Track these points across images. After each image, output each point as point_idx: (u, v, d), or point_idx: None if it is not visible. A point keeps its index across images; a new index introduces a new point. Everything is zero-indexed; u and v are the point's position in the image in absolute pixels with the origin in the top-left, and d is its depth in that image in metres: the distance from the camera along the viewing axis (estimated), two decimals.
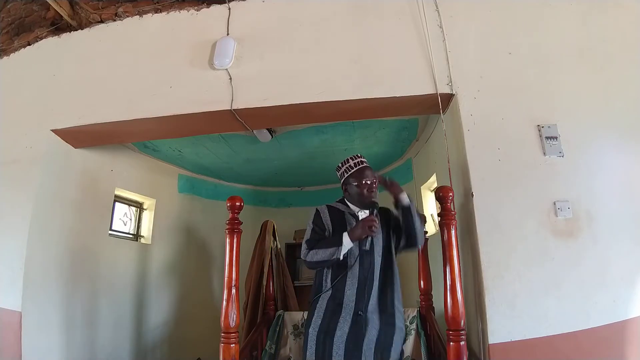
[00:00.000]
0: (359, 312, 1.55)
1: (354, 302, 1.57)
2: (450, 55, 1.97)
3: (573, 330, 1.62)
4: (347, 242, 1.54)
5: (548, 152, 1.81)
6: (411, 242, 1.66)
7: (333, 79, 2.02)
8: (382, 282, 1.61)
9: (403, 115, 2.54)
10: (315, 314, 1.62)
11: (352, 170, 1.71)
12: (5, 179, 2.30)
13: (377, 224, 1.54)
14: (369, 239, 1.57)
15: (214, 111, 2.08)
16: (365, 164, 1.73)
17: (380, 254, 1.64)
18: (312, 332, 1.59)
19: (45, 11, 2.62)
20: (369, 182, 1.67)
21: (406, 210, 1.63)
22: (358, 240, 1.56)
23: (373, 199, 1.66)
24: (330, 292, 1.62)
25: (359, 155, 1.76)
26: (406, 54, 2.01)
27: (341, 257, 1.56)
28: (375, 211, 1.60)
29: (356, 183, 1.68)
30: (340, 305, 1.58)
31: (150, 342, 3.22)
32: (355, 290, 1.58)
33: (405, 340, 1.59)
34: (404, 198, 1.64)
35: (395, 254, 1.70)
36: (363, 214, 1.60)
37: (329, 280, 1.64)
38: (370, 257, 1.61)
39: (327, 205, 1.77)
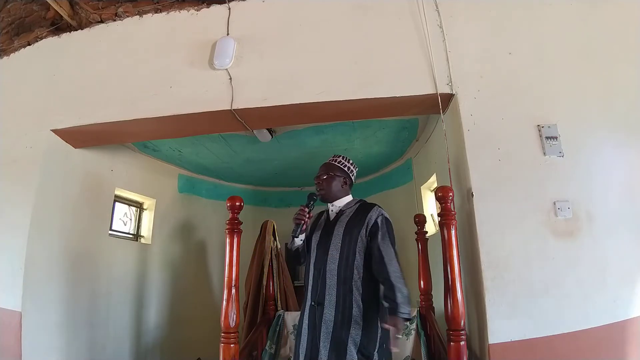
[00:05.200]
0: (312, 303, 1.59)
1: (310, 293, 1.62)
2: (450, 55, 1.97)
3: (573, 330, 1.62)
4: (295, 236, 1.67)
5: (548, 152, 1.80)
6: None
7: (333, 79, 2.02)
8: (341, 275, 1.56)
9: (403, 115, 2.54)
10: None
11: None
12: (5, 179, 2.30)
13: (306, 212, 1.63)
14: (298, 228, 1.64)
15: (214, 111, 2.08)
16: (328, 161, 1.77)
17: (339, 247, 1.59)
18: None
19: (45, 11, 2.62)
20: (316, 177, 1.74)
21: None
22: (295, 231, 1.64)
23: (319, 191, 1.72)
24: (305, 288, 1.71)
25: (336, 154, 1.80)
26: (406, 54, 2.01)
27: (292, 247, 1.72)
28: (309, 202, 1.69)
29: None
30: (305, 298, 1.65)
31: (151, 342, 3.22)
32: (311, 282, 1.63)
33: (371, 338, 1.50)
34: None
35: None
36: (329, 206, 1.74)
37: (304, 279, 1.75)
38: (324, 249, 1.63)
39: None
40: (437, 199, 1.72)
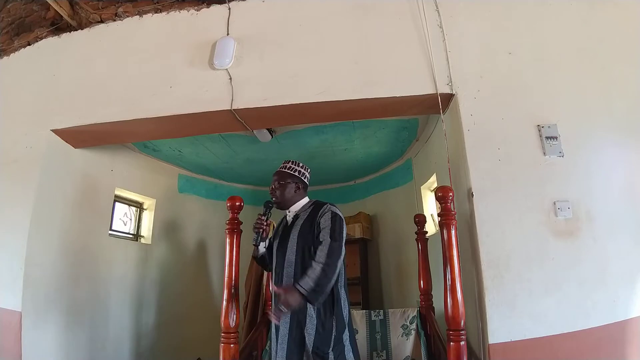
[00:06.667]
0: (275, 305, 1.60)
1: (273, 298, 1.62)
2: (450, 55, 1.97)
3: (573, 330, 1.62)
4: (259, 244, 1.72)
5: (548, 152, 1.81)
6: None
7: (333, 79, 2.02)
8: (298, 277, 1.56)
9: (403, 115, 2.54)
10: None
11: None
12: (6, 179, 2.30)
13: (263, 221, 1.68)
14: (257, 236, 1.68)
15: (214, 111, 2.08)
16: (278, 169, 1.77)
17: (294, 250, 1.62)
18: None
19: (45, 11, 2.62)
20: (270, 187, 1.75)
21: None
22: (256, 239, 1.68)
23: (274, 200, 1.73)
24: None
25: (286, 160, 1.79)
26: (406, 54, 2.01)
27: (257, 255, 1.77)
28: (266, 210, 1.73)
29: None
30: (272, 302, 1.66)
31: (150, 342, 3.22)
32: (274, 285, 1.65)
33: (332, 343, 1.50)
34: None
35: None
36: (287, 212, 1.75)
37: None
38: (282, 253, 1.65)
39: None
40: (437, 199, 1.72)
